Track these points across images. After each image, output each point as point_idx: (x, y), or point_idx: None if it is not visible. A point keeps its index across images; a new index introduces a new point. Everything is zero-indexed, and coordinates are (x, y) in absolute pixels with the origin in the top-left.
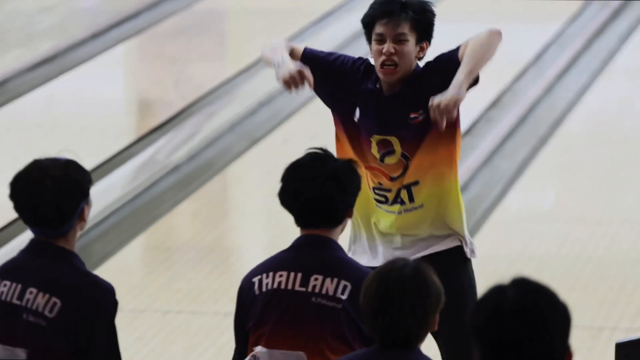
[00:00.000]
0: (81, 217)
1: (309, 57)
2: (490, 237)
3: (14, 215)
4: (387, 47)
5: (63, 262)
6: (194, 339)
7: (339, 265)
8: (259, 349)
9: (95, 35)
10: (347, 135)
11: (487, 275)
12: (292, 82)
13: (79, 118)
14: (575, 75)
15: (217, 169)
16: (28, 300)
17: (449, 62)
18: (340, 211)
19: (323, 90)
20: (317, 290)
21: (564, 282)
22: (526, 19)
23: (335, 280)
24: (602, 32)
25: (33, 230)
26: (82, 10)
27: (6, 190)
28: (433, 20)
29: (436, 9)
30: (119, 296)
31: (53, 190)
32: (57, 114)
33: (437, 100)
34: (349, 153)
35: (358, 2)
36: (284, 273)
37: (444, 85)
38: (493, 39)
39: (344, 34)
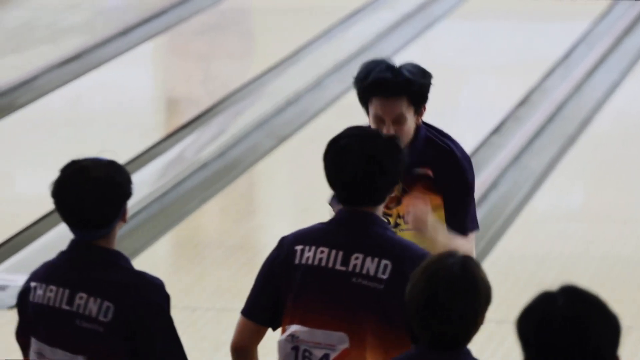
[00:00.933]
0: (122, 217)
1: None
2: (519, 236)
3: (44, 209)
4: (387, 129)
5: (108, 263)
6: (222, 336)
7: (380, 242)
8: (297, 327)
9: (122, 33)
10: None
11: (515, 274)
12: None
13: (106, 115)
14: (603, 74)
15: (244, 166)
16: (79, 305)
17: (450, 197)
18: (381, 190)
19: None
20: (357, 270)
21: (592, 281)
22: (554, 18)
23: (376, 259)
24: (630, 30)
25: (75, 232)
26: (109, 8)
27: (35, 185)
28: (430, 86)
29: (464, 8)
30: None
31: (97, 193)
32: (84, 111)
33: (414, 215)
34: None
35: (384, 0)
36: (326, 250)
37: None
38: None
39: (370, 33)
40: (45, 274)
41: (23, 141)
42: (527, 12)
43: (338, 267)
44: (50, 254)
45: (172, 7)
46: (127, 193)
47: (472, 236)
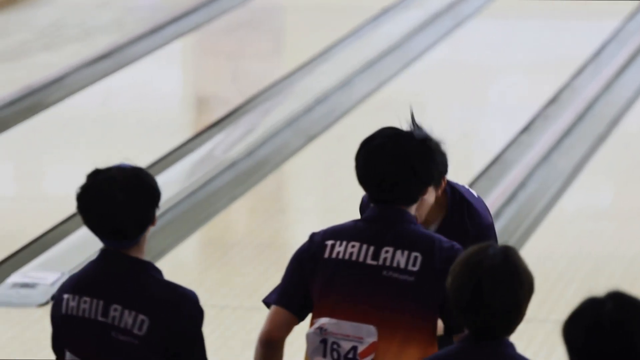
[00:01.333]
0: (152, 223)
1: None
2: (548, 235)
3: (73, 207)
4: None
5: (140, 274)
6: (251, 334)
7: (410, 236)
8: (326, 320)
9: (152, 31)
10: None
11: (544, 273)
12: None
13: (135, 114)
14: (633, 73)
15: (273, 165)
16: (114, 317)
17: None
18: (413, 191)
19: None
20: (387, 263)
21: (622, 280)
22: (584, 17)
23: (406, 252)
24: None
25: (105, 242)
26: (140, 6)
27: (64, 183)
28: (445, 163)
29: (493, 6)
30: None
31: (125, 203)
32: (114, 109)
33: None
34: None
35: None
36: (357, 244)
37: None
38: None
39: (400, 31)
40: (77, 285)
41: (53, 139)
42: (556, 10)
43: (369, 261)
44: (79, 252)
45: (202, 5)
46: (155, 200)
47: None
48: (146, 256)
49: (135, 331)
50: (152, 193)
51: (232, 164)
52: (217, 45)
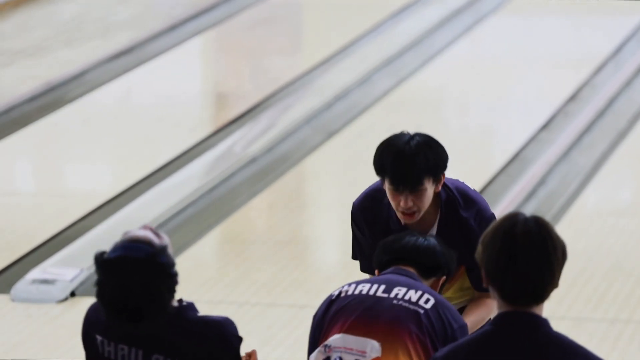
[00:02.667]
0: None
1: (361, 256)
2: (568, 231)
3: (92, 204)
4: (404, 202)
5: (175, 318)
6: (269, 331)
7: (424, 286)
8: (331, 337)
9: (172, 28)
10: None
11: (564, 270)
12: None
13: (155, 110)
14: None
15: (293, 161)
16: None
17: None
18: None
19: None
20: (399, 296)
21: None
22: (605, 13)
23: (420, 292)
24: None
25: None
26: (159, 2)
27: (84, 179)
28: (447, 157)
29: (513, 3)
30: (195, 287)
31: (153, 294)
32: (133, 105)
33: None
34: None
35: None
36: (367, 284)
37: (461, 253)
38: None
39: (419, 28)
40: (108, 328)
41: (73, 135)
42: (576, 7)
43: (379, 294)
44: (99, 249)
45: (222, 1)
46: (175, 280)
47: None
48: None
49: None
50: (172, 276)
51: (252, 160)
52: (237, 42)
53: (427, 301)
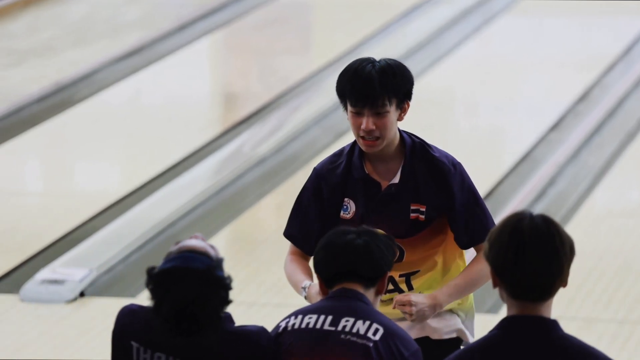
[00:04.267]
0: None
1: (300, 225)
2: (577, 232)
3: (102, 204)
4: (366, 123)
5: (217, 329)
6: None
7: (372, 313)
8: None
9: (181, 28)
10: None
11: (574, 270)
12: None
13: (164, 110)
14: None
15: (302, 161)
16: None
17: (454, 206)
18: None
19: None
20: (347, 329)
21: None
22: (614, 13)
23: (368, 322)
24: None
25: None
26: (168, 2)
27: (93, 179)
28: (412, 82)
29: (523, 3)
30: None
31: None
32: (142, 105)
33: (416, 306)
34: None
35: None
36: (314, 316)
37: (437, 198)
38: (484, 282)
39: (429, 28)
40: (146, 335)
41: (82, 136)
42: (586, 7)
43: (326, 327)
44: (108, 249)
45: (231, 1)
46: (228, 294)
47: None
48: None
49: None
50: (227, 290)
51: (261, 161)
52: (246, 42)
53: (375, 332)
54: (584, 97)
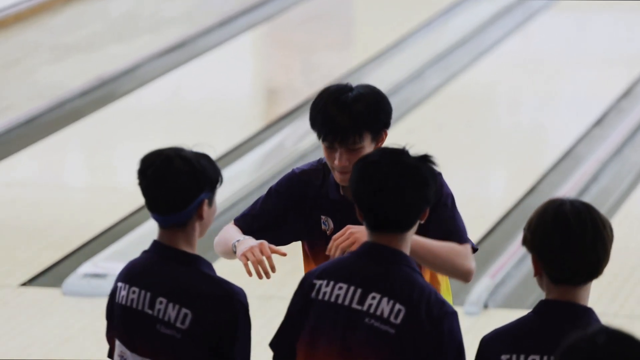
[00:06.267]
0: (199, 213)
1: (252, 219)
2: (620, 229)
3: (143, 199)
4: (339, 160)
5: (189, 267)
6: None
7: (399, 283)
8: None
9: (223, 23)
10: (316, 249)
11: (617, 267)
12: (253, 259)
13: (206, 105)
14: None
15: None
16: (159, 310)
17: (437, 221)
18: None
19: (287, 236)
20: (371, 310)
21: None
22: None
23: (392, 302)
24: None
25: (153, 217)
26: None
27: (135, 175)
28: (389, 112)
29: (564, 1)
30: (246, 283)
31: (179, 170)
32: (185, 100)
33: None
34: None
35: None
36: (344, 286)
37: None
38: (462, 271)
39: (471, 25)
40: (128, 274)
41: (124, 130)
42: (629, 3)
43: (354, 305)
44: (149, 243)
45: None
46: (209, 182)
47: (469, 250)
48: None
49: (178, 325)
50: (207, 175)
51: (302, 156)
52: (288, 37)
53: (397, 314)
54: (627, 94)
